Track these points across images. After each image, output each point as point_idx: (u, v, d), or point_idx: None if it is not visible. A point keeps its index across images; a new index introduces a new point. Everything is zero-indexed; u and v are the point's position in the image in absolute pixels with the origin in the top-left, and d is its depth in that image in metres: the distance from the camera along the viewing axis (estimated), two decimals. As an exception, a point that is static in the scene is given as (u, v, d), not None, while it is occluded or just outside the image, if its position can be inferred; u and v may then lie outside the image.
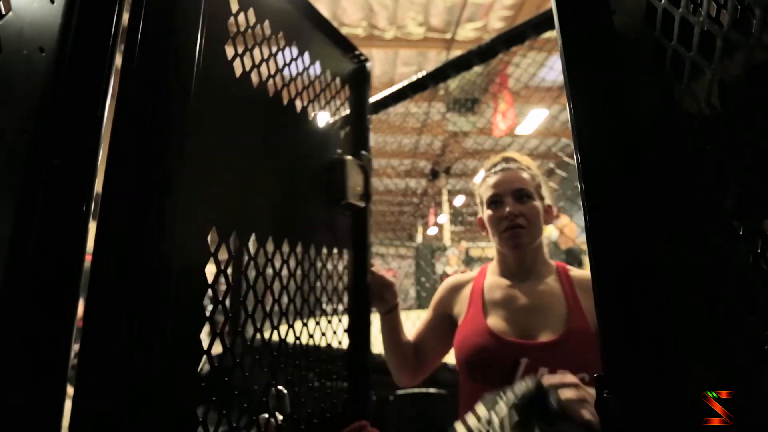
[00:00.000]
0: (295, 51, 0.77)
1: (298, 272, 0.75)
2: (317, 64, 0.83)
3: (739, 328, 0.29)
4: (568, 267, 0.85)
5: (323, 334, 0.80)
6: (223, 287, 0.62)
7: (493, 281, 0.86)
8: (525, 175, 0.84)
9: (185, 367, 0.50)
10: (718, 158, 0.31)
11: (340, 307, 0.86)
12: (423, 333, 0.92)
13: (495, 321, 0.78)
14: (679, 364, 0.33)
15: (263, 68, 0.68)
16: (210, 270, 0.55)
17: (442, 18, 5.57)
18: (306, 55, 0.80)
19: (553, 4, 0.48)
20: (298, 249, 0.74)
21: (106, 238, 0.46)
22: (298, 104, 0.77)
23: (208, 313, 0.54)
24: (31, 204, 0.40)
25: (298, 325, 0.73)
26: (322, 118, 0.84)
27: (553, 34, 0.49)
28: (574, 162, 0.45)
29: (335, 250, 0.84)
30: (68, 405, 0.41)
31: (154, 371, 0.45)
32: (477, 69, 1.30)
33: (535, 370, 0.69)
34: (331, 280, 0.83)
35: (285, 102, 0.74)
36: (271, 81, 0.70)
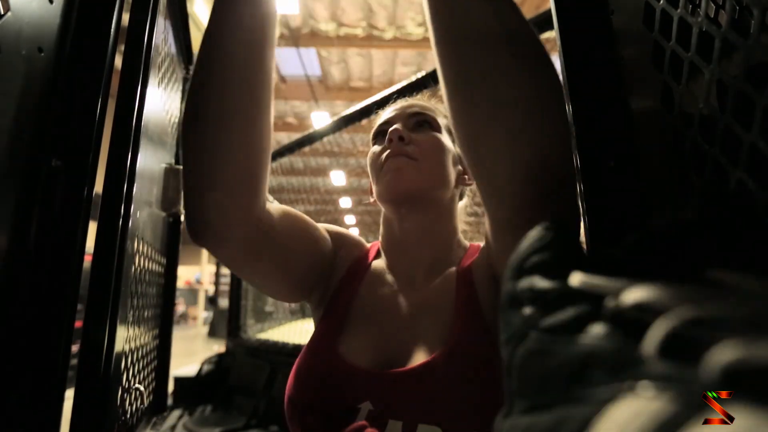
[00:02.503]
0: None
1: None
2: (168, 68, 0.85)
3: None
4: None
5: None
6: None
7: (377, 270, 0.53)
8: (429, 105, 0.56)
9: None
10: (716, 158, 0.31)
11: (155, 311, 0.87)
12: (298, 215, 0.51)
13: (353, 341, 0.46)
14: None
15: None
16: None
17: (441, 18, 5.57)
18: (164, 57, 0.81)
19: (552, 5, 0.48)
20: (148, 251, 0.75)
21: (106, 238, 0.46)
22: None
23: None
24: (30, 204, 0.40)
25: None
26: (161, 126, 0.85)
27: (552, 34, 0.49)
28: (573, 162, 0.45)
29: (161, 256, 0.87)
30: (68, 405, 0.41)
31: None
32: (476, 69, 1.30)
33: (382, 421, 0.38)
34: (157, 284, 0.85)
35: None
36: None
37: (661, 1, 0.36)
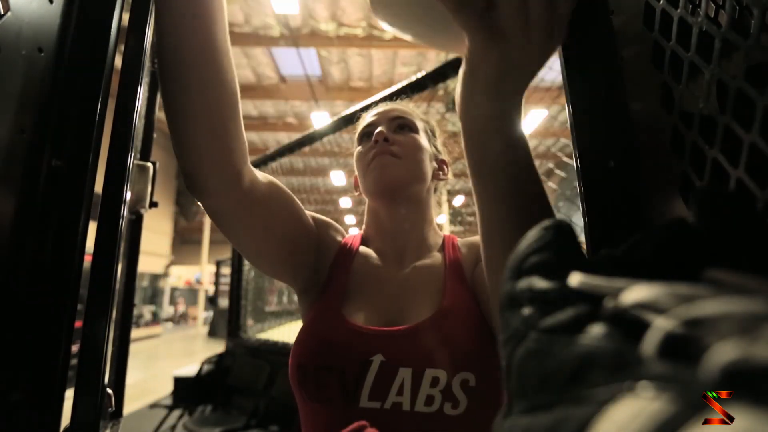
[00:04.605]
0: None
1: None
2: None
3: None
4: (459, 238, 0.61)
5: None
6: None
7: (365, 254, 0.60)
8: (407, 110, 0.63)
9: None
10: (716, 158, 0.31)
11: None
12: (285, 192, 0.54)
13: (356, 306, 0.52)
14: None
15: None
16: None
17: (441, 18, 5.57)
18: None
19: (552, 5, 0.48)
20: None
21: (106, 238, 0.46)
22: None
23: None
24: (30, 204, 0.40)
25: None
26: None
27: (552, 34, 0.49)
28: (573, 162, 0.45)
29: (123, 257, 0.84)
30: (68, 405, 0.41)
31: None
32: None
33: (393, 369, 0.44)
34: (120, 284, 0.83)
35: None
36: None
37: (661, 1, 0.36)
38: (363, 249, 0.61)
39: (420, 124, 0.63)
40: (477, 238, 0.54)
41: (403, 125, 0.61)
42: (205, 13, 0.42)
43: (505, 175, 0.31)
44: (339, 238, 0.62)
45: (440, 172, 0.64)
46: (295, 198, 0.56)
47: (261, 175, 0.50)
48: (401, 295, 0.53)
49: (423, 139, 0.61)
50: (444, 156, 0.67)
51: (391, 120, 0.61)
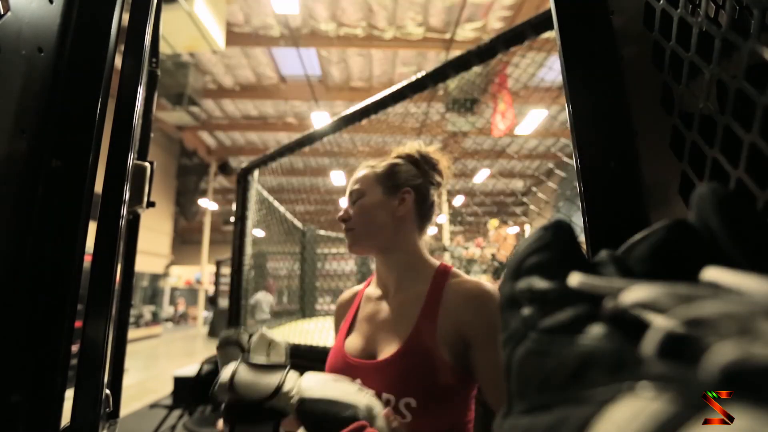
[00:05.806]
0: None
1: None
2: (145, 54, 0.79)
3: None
4: (454, 272, 0.70)
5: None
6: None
7: (368, 293, 0.79)
8: (364, 172, 0.76)
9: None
10: (716, 158, 0.31)
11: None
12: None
13: (352, 340, 0.72)
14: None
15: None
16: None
17: (441, 18, 5.58)
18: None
19: (552, 5, 0.48)
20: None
21: (106, 238, 0.46)
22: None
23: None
24: (30, 204, 0.40)
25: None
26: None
27: (552, 34, 0.49)
28: (573, 162, 0.45)
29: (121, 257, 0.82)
30: (68, 405, 0.41)
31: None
32: (476, 69, 1.30)
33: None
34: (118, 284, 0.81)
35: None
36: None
37: (661, 2, 0.36)
38: (368, 289, 0.80)
39: (372, 179, 0.74)
40: (470, 283, 0.66)
41: (357, 196, 0.74)
42: None
43: None
44: (353, 297, 0.81)
45: (401, 207, 0.72)
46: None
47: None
48: (380, 330, 0.70)
49: (372, 193, 0.73)
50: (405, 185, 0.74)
51: (350, 195, 0.76)
